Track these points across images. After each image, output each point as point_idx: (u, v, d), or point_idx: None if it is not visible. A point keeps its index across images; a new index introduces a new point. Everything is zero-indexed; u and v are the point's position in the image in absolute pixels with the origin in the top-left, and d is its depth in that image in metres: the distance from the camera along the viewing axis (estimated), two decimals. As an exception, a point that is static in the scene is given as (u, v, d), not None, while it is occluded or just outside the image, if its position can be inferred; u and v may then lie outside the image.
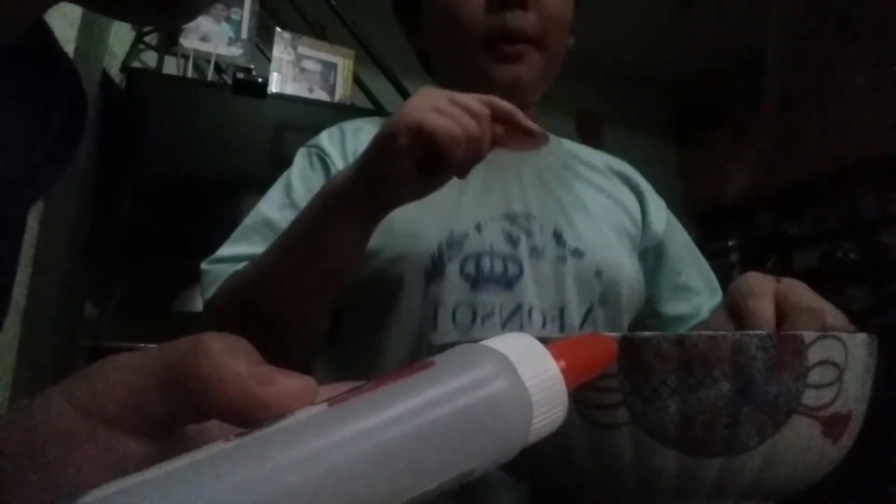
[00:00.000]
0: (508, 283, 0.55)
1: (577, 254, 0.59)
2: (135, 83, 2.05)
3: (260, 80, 2.08)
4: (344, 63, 2.36)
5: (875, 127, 3.10)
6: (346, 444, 0.13)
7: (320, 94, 2.28)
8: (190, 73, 2.13)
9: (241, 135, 2.09)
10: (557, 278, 0.58)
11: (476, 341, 0.17)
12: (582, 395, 0.28)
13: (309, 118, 2.19)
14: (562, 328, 0.56)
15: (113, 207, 1.94)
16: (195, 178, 2.04)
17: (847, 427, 0.30)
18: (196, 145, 2.05)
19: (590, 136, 3.84)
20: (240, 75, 2.07)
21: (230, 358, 0.15)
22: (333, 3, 2.35)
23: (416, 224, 0.55)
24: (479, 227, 0.57)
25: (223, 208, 2.04)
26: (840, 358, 0.29)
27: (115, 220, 1.92)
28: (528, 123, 0.45)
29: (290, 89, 2.21)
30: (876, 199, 3.26)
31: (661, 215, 0.71)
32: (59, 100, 0.33)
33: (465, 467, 0.15)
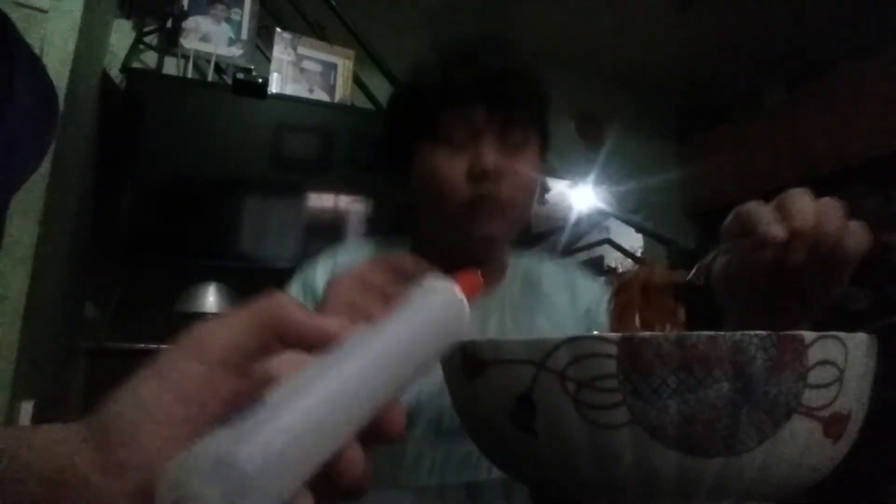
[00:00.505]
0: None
1: None
2: (135, 83, 2.05)
3: (260, 80, 2.08)
4: (344, 63, 2.36)
5: (875, 127, 3.10)
6: (365, 355, 0.22)
7: (320, 95, 2.28)
8: (190, 74, 2.13)
9: (241, 135, 2.09)
10: None
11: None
12: (582, 395, 0.28)
13: (309, 118, 2.19)
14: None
15: (113, 207, 1.94)
16: (195, 179, 2.04)
17: (847, 427, 0.30)
18: (196, 145, 2.05)
19: (590, 136, 3.84)
20: (240, 76, 2.07)
21: (298, 305, 0.24)
22: (333, 3, 2.35)
23: None
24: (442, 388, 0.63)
25: (223, 208, 2.04)
26: (840, 358, 0.29)
27: (116, 220, 1.92)
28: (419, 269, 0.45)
29: (290, 89, 2.21)
30: (876, 199, 3.26)
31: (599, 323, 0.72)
32: (19, 90, 0.32)
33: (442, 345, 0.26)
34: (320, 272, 0.72)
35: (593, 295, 0.78)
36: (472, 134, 0.64)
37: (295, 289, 0.73)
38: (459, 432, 0.61)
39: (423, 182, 0.66)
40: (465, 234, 0.65)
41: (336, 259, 0.73)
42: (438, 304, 0.26)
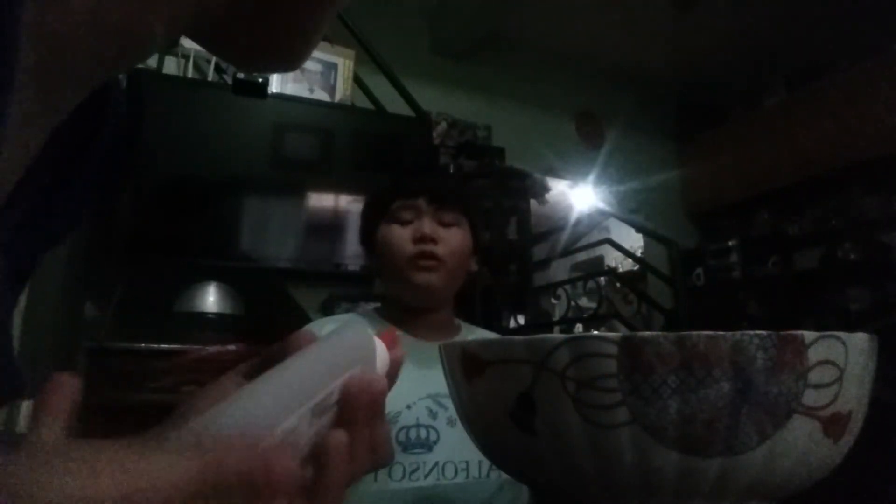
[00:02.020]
0: (429, 446, 0.79)
1: None
2: (135, 83, 2.05)
3: (260, 80, 2.07)
4: (344, 63, 2.36)
5: (875, 127, 3.11)
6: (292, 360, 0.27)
7: (320, 94, 2.28)
8: (190, 73, 2.13)
9: (241, 135, 2.09)
10: (465, 441, 0.71)
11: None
12: (582, 395, 0.28)
13: (309, 118, 2.19)
14: (467, 477, 0.79)
15: (113, 207, 1.94)
16: (195, 179, 2.04)
17: (847, 427, 0.30)
18: (196, 145, 2.05)
19: (590, 136, 3.84)
20: (240, 75, 2.07)
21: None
22: (333, 3, 2.35)
23: None
24: (409, 406, 0.81)
25: (223, 208, 2.04)
26: (840, 358, 0.29)
27: (116, 220, 1.92)
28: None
29: (291, 89, 2.21)
30: (876, 199, 3.27)
31: None
32: (107, 120, 0.31)
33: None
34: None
35: None
36: (416, 214, 0.89)
37: None
38: (425, 444, 0.79)
39: (382, 249, 0.90)
40: (410, 284, 0.87)
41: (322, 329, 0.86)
42: (351, 335, 0.31)
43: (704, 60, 3.69)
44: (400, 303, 0.92)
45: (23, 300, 1.36)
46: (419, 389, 0.83)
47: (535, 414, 0.30)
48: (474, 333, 0.99)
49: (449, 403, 0.79)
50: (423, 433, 0.80)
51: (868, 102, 3.16)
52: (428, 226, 0.87)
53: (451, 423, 0.81)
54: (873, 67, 3.18)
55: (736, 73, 3.80)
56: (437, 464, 0.79)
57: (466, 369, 0.34)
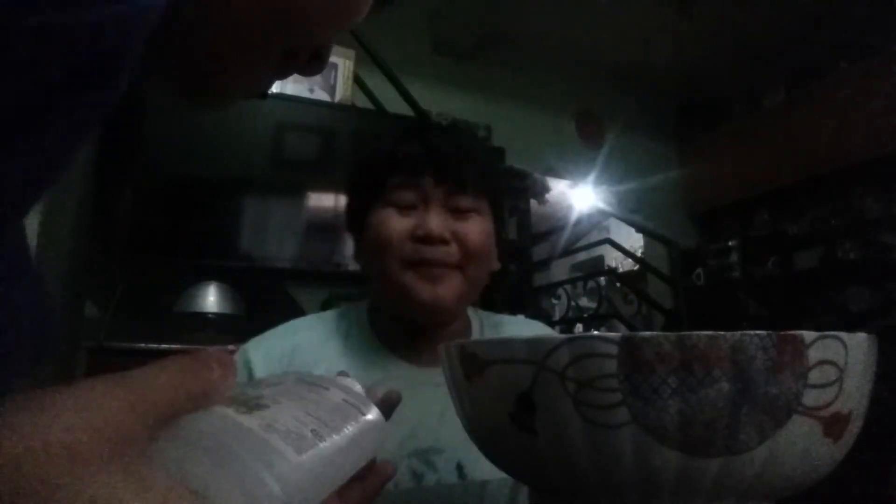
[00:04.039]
0: None
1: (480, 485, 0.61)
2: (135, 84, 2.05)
3: (260, 80, 2.07)
4: (344, 63, 2.36)
5: (875, 127, 3.10)
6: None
7: (320, 94, 2.28)
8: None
9: (241, 135, 2.09)
10: None
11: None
12: (582, 395, 0.28)
13: (309, 118, 2.19)
14: None
15: (113, 207, 1.94)
16: (195, 178, 2.04)
17: (847, 427, 0.30)
18: (196, 145, 2.05)
19: (590, 136, 3.85)
20: (240, 75, 2.07)
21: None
22: (333, 3, 2.35)
23: None
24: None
25: (223, 208, 2.04)
26: (840, 358, 0.29)
27: (116, 220, 1.92)
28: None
29: (291, 89, 2.21)
30: (876, 199, 3.27)
31: None
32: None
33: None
34: (261, 356, 0.67)
35: None
36: (421, 198, 0.65)
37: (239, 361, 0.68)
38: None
39: (372, 242, 0.66)
40: (409, 299, 0.64)
41: (296, 337, 0.70)
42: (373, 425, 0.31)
43: (704, 60, 3.69)
44: (395, 319, 0.69)
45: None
46: (402, 442, 0.62)
47: (535, 414, 0.30)
48: (500, 327, 0.77)
49: (441, 463, 0.62)
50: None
51: (868, 102, 3.16)
52: (435, 220, 0.63)
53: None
54: (873, 67, 3.18)
55: (736, 73, 3.80)
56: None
57: (466, 369, 0.34)
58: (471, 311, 0.76)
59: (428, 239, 0.63)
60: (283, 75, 0.36)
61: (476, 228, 0.66)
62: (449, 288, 0.64)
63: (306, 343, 0.69)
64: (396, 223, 0.64)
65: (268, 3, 0.30)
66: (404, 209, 0.65)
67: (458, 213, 0.66)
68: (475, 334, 0.74)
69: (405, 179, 0.65)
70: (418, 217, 0.64)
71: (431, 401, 0.63)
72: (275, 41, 0.32)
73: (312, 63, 0.36)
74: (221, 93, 0.34)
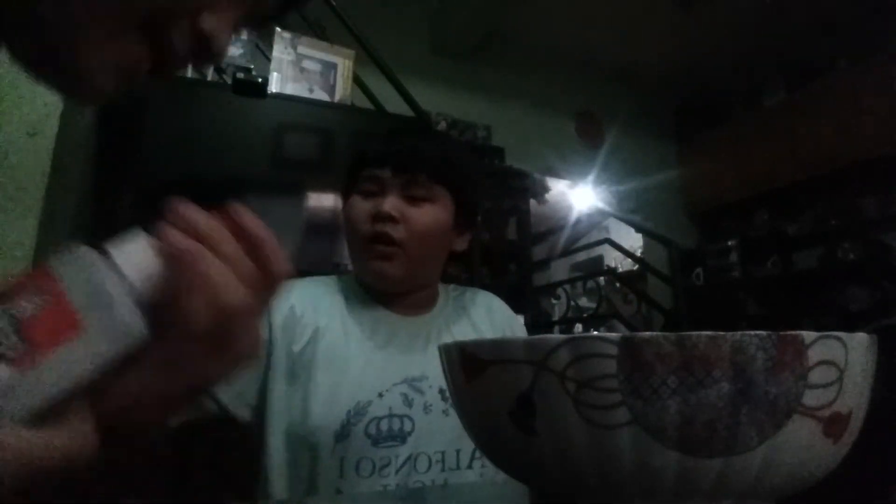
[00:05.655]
0: (403, 437, 0.71)
1: None
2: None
3: (260, 80, 2.08)
4: (344, 63, 2.36)
5: (875, 127, 3.11)
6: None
7: (320, 94, 2.28)
8: (190, 74, 2.13)
9: (241, 135, 2.09)
10: (442, 429, 0.73)
11: None
12: (582, 395, 0.28)
13: (309, 118, 2.19)
14: (442, 470, 0.72)
15: (113, 208, 1.94)
16: (195, 179, 2.04)
17: (847, 427, 0.30)
18: (196, 145, 2.05)
19: (590, 136, 3.85)
20: (240, 75, 2.07)
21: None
22: (333, 3, 2.36)
23: (329, 396, 0.70)
24: (381, 395, 0.73)
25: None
26: (840, 358, 0.29)
27: (116, 220, 1.92)
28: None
29: (290, 89, 2.20)
30: (876, 199, 3.27)
31: None
32: None
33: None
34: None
35: (506, 318, 0.92)
36: (380, 187, 0.78)
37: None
38: (398, 436, 0.70)
39: (345, 222, 0.82)
40: (366, 270, 0.80)
41: (291, 294, 0.79)
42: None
43: (704, 60, 3.69)
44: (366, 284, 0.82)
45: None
46: (393, 374, 0.75)
47: (535, 414, 0.30)
48: (463, 300, 0.89)
49: (427, 388, 0.74)
50: (395, 424, 0.71)
51: (868, 102, 3.16)
52: (389, 202, 0.75)
53: (427, 409, 0.73)
54: (873, 67, 3.18)
55: (736, 73, 3.80)
56: (409, 457, 0.70)
57: (466, 369, 0.34)
58: (441, 287, 0.89)
59: (380, 216, 0.75)
60: (165, 61, 0.32)
61: (425, 213, 0.78)
62: (394, 266, 0.77)
63: (308, 292, 0.81)
64: (360, 206, 0.78)
65: None
66: (368, 196, 0.78)
67: (413, 200, 0.77)
68: (439, 304, 0.87)
69: (370, 171, 0.79)
70: (376, 201, 0.77)
71: (415, 337, 0.80)
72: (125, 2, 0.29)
73: (201, 50, 0.33)
74: (83, 75, 0.31)
